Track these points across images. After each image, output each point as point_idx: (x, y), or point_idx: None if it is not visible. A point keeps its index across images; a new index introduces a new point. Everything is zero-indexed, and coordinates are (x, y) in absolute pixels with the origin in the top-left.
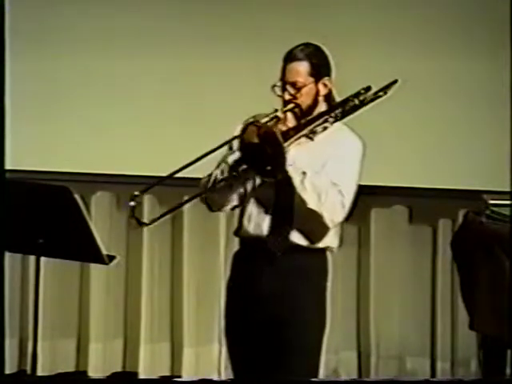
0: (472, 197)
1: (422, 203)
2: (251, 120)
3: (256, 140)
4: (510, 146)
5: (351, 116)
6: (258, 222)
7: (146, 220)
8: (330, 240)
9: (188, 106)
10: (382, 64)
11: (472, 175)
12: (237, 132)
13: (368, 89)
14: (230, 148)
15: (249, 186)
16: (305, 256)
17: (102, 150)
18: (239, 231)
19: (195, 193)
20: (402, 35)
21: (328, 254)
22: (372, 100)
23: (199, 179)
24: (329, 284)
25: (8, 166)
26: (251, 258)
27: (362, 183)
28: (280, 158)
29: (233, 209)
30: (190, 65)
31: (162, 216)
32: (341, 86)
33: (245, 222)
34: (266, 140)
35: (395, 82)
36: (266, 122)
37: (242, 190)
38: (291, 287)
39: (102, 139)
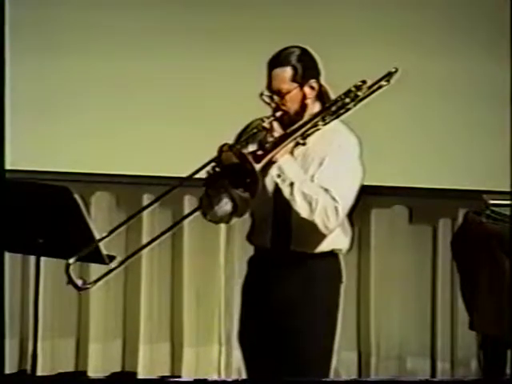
0: (472, 197)
1: (422, 203)
2: (224, 143)
3: (233, 160)
4: (510, 146)
5: (351, 117)
6: (261, 231)
7: (144, 219)
8: (336, 241)
9: (188, 106)
10: (381, 63)
11: (472, 175)
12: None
13: (359, 87)
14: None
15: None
16: (312, 261)
17: (102, 150)
18: (251, 237)
19: (195, 193)
20: (401, 35)
21: (339, 256)
22: (374, 91)
23: (199, 179)
24: (342, 286)
25: (8, 166)
26: (262, 265)
27: (363, 183)
28: (254, 177)
29: (240, 215)
30: (190, 65)
31: (105, 274)
32: (339, 85)
33: (254, 229)
34: (240, 160)
35: (396, 71)
36: (242, 142)
37: (242, 201)
38: (301, 293)
39: (102, 139)
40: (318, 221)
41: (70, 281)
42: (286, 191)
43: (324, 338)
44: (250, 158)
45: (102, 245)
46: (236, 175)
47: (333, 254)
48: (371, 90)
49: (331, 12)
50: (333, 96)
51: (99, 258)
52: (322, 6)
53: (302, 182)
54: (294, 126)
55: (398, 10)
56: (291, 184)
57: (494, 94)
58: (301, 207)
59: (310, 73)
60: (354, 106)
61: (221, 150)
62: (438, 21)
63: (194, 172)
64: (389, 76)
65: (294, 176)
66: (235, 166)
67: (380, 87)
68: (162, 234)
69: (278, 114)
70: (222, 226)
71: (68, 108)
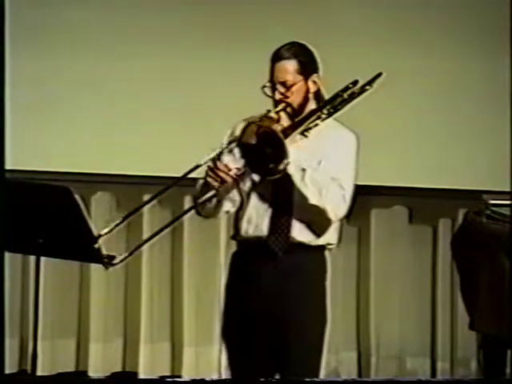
0: (472, 197)
1: (421, 203)
2: (250, 121)
3: (255, 141)
4: (510, 146)
5: (351, 116)
6: (258, 223)
7: (145, 219)
8: (330, 236)
9: (188, 106)
10: (381, 62)
11: (472, 175)
12: (228, 133)
13: (355, 83)
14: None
15: (245, 190)
16: (304, 254)
17: (102, 150)
18: (237, 235)
19: (195, 192)
20: (403, 35)
21: (326, 252)
22: (359, 94)
23: (199, 179)
24: (328, 282)
25: (8, 166)
26: (251, 258)
27: (363, 183)
28: (282, 154)
29: (226, 212)
30: (190, 65)
31: (130, 254)
32: (339, 85)
33: (244, 224)
34: (265, 139)
35: (379, 75)
36: (263, 121)
37: (236, 195)
38: (291, 286)
39: (102, 139)
40: (329, 208)
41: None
42: (296, 177)
43: (317, 332)
44: (280, 133)
45: (101, 245)
46: (258, 158)
47: (322, 249)
48: (363, 89)
49: (331, 11)
50: (326, 95)
51: (99, 258)
52: (321, 5)
53: (313, 169)
54: (300, 117)
55: (398, 9)
56: (303, 170)
57: (494, 94)
58: (311, 193)
59: (312, 67)
60: (348, 103)
61: (245, 127)
62: (439, 20)
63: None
64: (375, 79)
65: (305, 163)
66: (257, 147)
67: (366, 90)
68: (170, 223)
69: (282, 105)
70: (222, 225)
71: (68, 108)
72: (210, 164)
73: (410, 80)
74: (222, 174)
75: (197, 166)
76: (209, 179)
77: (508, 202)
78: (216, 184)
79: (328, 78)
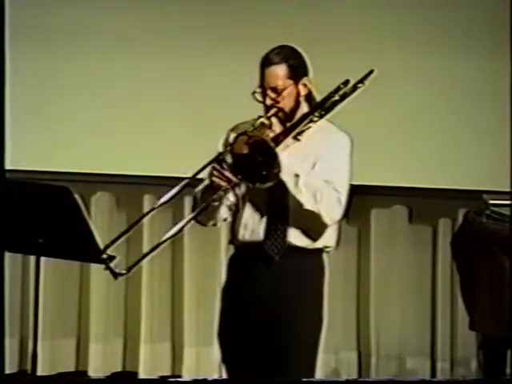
0: (472, 197)
1: (421, 203)
2: (239, 132)
3: (246, 150)
4: (510, 146)
5: (351, 117)
6: (254, 228)
7: (145, 219)
8: (328, 239)
9: (188, 106)
10: (382, 63)
11: (472, 175)
12: (221, 142)
13: (346, 83)
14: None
15: (240, 196)
16: (302, 257)
17: (102, 150)
18: (234, 239)
19: (195, 193)
20: (402, 35)
21: (324, 255)
22: (351, 92)
23: (200, 180)
24: (326, 284)
25: (8, 166)
26: (248, 262)
27: (362, 183)
28: (274, 163)
29: (225, 220)
30: (191, 65)
31: (138, 262)
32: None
33: (241, 230)
34: (256, 149)
35: (371, 72)
36: (254, 131)
37: (232, 202)
38: (288, 289)
39: (102, 139)
40: (324, 212)
41: (108, 267)
42: (290, 183)
43: (312, 334)
44: (270, 141)
45: (101, 245)
46: (250, 167)
47: (320, 252)
48: (355, 88)
49: (332, 11)
50: (318, 96)
51: (99, 258)
52: (321, 5)
53: (306, 174)
54: (292, 120)
55: (398, 9)
56: (296, 175)
57: (494, 94)
58: (306, 199)
59: (302, 70)
60: (340, 103)
61: (236, 137)
62: (438, 20)
63: (207, 163)
64: (367, 77)
65: (299, 168)
66: (249, 156)
67: (357, 89)
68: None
69: (273, 110)
70: (223, 225)
71: (68, 108)
72: (216, 165)
73: (410, 80)
74: (228, 174)
75: (188, 179)
76: (216, 179)
77: (508, 202)
78: (224, 184)
79: (326, 79)
